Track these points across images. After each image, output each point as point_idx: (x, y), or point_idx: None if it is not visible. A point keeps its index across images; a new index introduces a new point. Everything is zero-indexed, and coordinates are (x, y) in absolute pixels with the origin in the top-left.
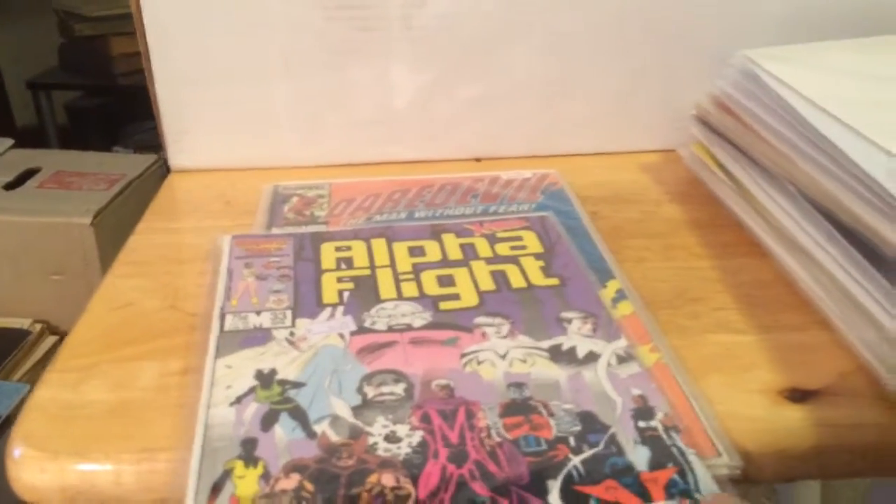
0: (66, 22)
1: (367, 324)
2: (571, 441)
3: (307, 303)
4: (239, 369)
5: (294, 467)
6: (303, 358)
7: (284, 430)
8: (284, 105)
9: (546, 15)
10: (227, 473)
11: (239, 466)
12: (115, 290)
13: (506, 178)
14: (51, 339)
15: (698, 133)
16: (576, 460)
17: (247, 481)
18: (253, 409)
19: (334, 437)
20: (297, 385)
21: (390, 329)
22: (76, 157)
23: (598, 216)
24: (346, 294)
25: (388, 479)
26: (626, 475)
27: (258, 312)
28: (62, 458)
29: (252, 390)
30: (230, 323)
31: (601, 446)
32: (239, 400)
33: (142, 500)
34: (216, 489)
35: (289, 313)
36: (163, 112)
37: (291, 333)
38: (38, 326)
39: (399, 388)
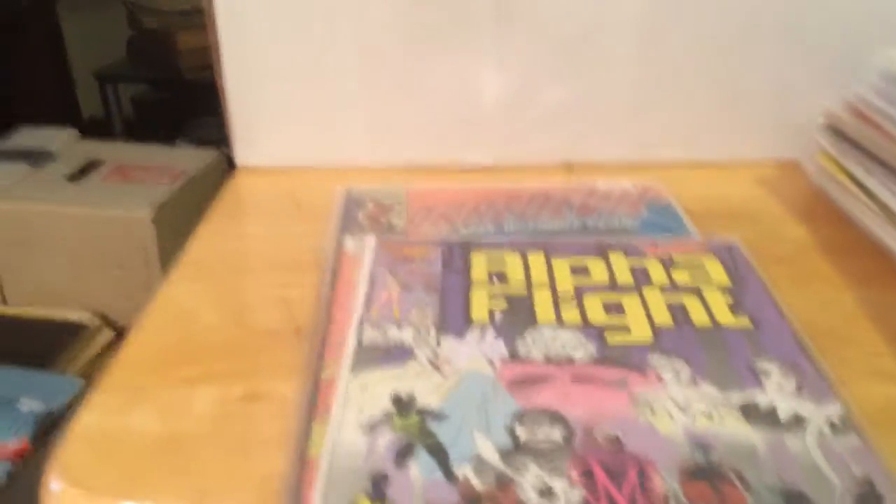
0: (134, 14)
1: (521, 352)
2: None
3: (454, 319)
4: (375, 390)
5: None
6: (447, 385)
7: (421, 468)
8: (357, 101)
9: (644, 8)
10: None
11: (364, 503)
12: (173, 301)
13: (603, 190)
14: (108, 334)
15: (826, 143)
16: None
17: None
18: (387, 440)
19: (478, 485)
20: (440, 417)
21: (548, 360)
22: (139, 149)
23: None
24: (497, 314)
25: None
26: None
27: (399, 326)
28: (104, 500)
29: (388, 417)
30: (369, 336)
31: None
32: (373, 427)
33: None
34: None
35: (433, 330)
36: (231, 107)
37: (435, 354)
38: (95, 320)
39: (556, 433)
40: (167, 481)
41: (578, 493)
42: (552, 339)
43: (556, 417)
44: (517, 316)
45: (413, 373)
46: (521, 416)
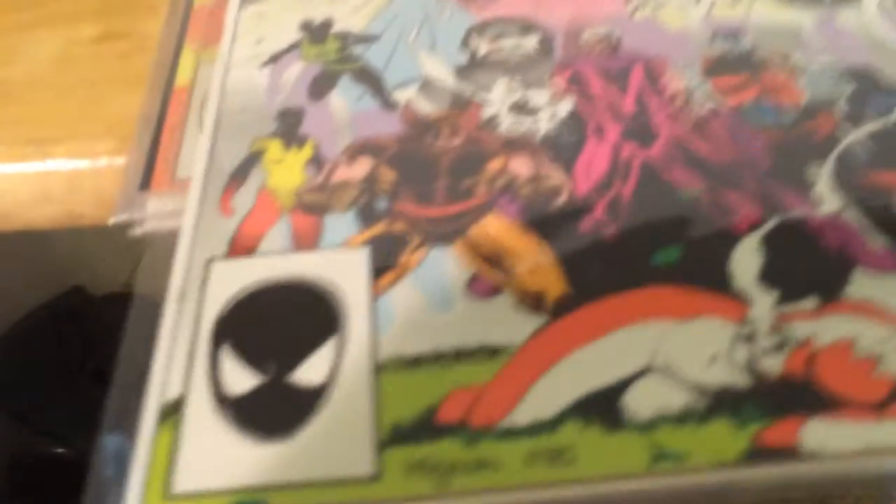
0: None
1: None
2: (842, 106)
3: None
4: (276, 20)
5: (363, 148)
6: (372, 5)
7: (345, 98)
8: None
9: None
10: (255, 157)
11: (274, 147)
12: None
13: None
14: None
15: None
16: (856, 134)
17: (286, 168)
18: (297, 71)
19: (427, 108)
20: (366, 39)
21: None
22: None
23: None
24: None
25: (520, 166)
26: None
27: None
28: None
29: (296, 45)
30: None
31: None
32: (275, 59)
33: (38, 215)
34: (237, 178)
35: None
36: None
37: None
38: None
39: (530, 42)
40: None
41: (567, 103)
42: None
43: (526, 26)
44: None
45: None
46: (480, 29)
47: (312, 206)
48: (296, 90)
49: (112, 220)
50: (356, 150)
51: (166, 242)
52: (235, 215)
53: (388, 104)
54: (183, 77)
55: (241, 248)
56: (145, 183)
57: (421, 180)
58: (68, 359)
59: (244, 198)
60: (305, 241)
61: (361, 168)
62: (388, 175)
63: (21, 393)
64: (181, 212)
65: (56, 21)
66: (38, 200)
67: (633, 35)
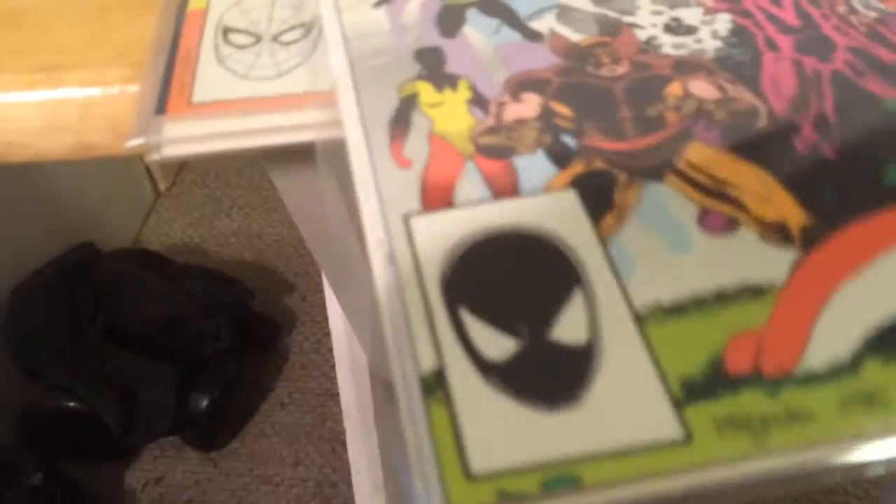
0: None
1: None
2: None
3: None
4: None
5: (524, 84)
6: None
7: (481, 32)
8: None
9: None
10: (409, 102)
11: (425, 90)
12: None
13: None
14: None
15: None
16: None
17: (449, 110)
18: (415, 7)
19: (575, 36)
20: None
21: None
22: None
23: None
24: None
25: (701, 89)
26: None
27: None
28: None
29: None
30: None
31: None
32: None
33: (54, 149)
34: (399, 126)
35: None
36: None
37: None
38: None
39: None
40: (5, 59)
41: (725, 19)
42: None
43: None
44: None
45: None
46: None
47: (495, 149)
48: (425, 28)
49: (127, 145)
50: (517, 87)
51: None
52: (414, 166)
53: (530, 34)
54: (197, 2)
55: (434, 200)
56: (161, 108)
57: (600, 113)
58: (78, 314)
59: (416, 146)
60: (502, 188)
61: (531, 105)
62: (563, 110)
63: (32, 348)
64: (199, 137)
65: None
66: (50, 129)
67: None
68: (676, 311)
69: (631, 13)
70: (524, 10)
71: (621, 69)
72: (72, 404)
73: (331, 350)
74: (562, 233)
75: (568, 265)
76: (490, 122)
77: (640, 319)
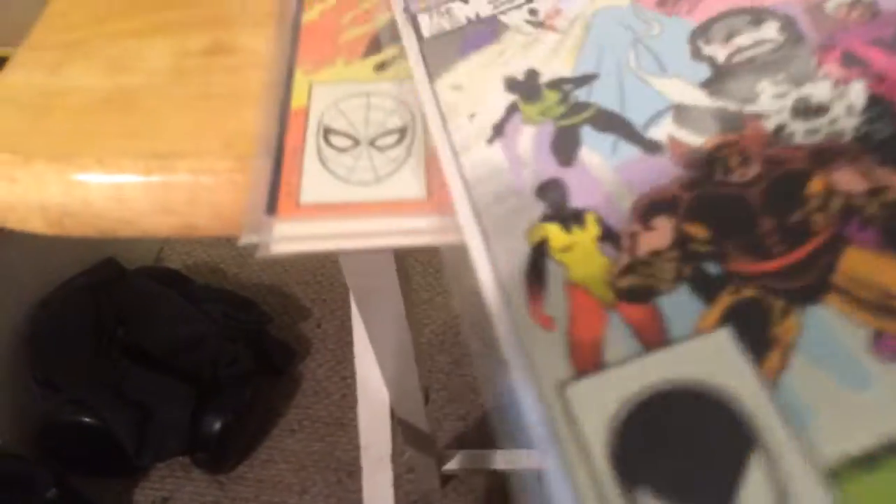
0: None
1: None
2: None
3: None
4: (477, 86)
5: (652, 207)
6: (570, 41)
7: (598, 152)
8: None
9: None
10: (540, 250)
11: (553, 233)
12: None
13: None
14: None
15: None
16: None
17: (580, 254)
18: (529, 137)
19: (698, 139)
20: (583, 80)
21: None
22: None
23: None
24: None
25: (847, 180)
26: None
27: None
28: (39, 164)
29: (513, 109)
30: (428, 24)
31: None
32: (499, 131)
33: (160, 227)
34: (534, 280)
35: None
36: None
37: (532, 12)
38: None
39: (769, 31)
40: (117, 142)
41: (857, 88)
42: None
43: (755, 15)
44: None
45: (517, 45)
46: (703, 32)
47: (636, 292)
48: (541, 158)
49: (241, 243)
50: (646, 212)
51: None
52: (558, 325)
53: (649, 146)
54: (298, 100)
55: (584, 361)
56: (271, 208)
57: (739, 229)
58: (101, 329)
59: (555, 301)
60: (651, 337)
61: (664, 232)
62: (698, 232)
63: (53, 361)
64: (306, 237)
65: (166, 30)
66: (159, 211)
67: None
68: (870, 462)
69: (752, 101)
70: (639, 118)
71: (753, 171)
72: (88, 419)
73: (343, 378)
74: (723, 384)
75: (738, 422)
76: (625, 259)
77: (829, 479)
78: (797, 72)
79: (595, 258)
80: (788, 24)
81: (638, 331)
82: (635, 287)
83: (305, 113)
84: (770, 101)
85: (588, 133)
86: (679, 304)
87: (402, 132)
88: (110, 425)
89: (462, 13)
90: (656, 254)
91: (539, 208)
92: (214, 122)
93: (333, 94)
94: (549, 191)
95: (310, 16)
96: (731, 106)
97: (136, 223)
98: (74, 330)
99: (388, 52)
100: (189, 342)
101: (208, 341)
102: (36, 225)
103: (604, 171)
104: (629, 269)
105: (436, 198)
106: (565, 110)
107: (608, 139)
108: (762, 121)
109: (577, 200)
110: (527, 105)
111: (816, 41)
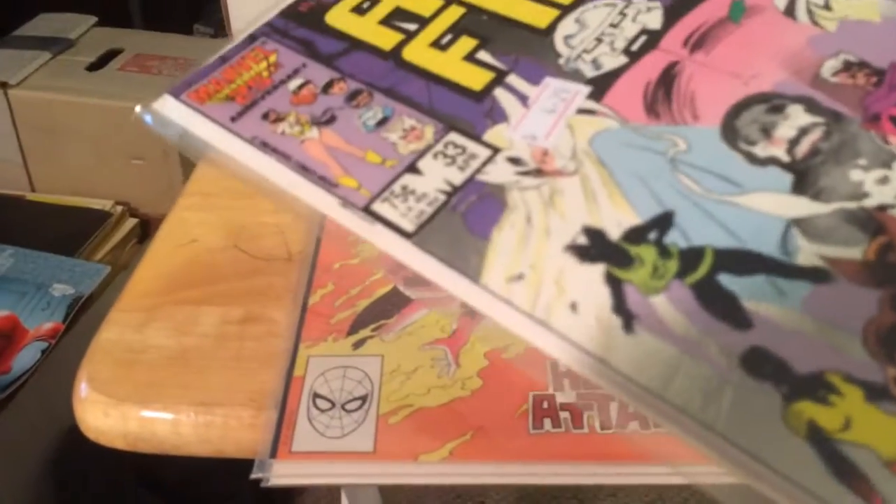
0: None
1: (583, 65)
2: None
3: (458, 107)
4: (541, 267)
5: (885, 340)
6: (597, 180)
7: (763, 299)
8: None
9: None
10: (818, 438)
11: (816, 412)
12: (181, 226)
13: None
14: (131, 222)
15: None
16: None
17: (867, 425)
18: (668, 310)
19: (852, 251)
20: (662, 223)
21: (628, 48)
22: (157, 38)
23: None
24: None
25: None
26: None
27: (416, 170)
28: (125, 405)
29: (614, 283)
30: (396, 213)
31: None
32: (627, 314)
33: (200, 451)
34: (849, 475)
35: (457, 139)
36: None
37: (514, 161)
38: (119, 208)
39: (801, 116)
40: (177, 392)
41: None
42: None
43: (767, 99)
44: (506, 36)
45: (535, 204)
46: (733, 135)
47: None
48: (710, 329)
49: (252, 476)
50: (886, 347)
51: None
52: None
53: (814, 276)
54: (299, 369)
55: None
56: (273, 453)
57: None
58: (119, 456)
59: (891, 490)
60: None
61: None
62: None
63: (77, 489)
64: (296, 475)
65: (215, 300)
66: (201, 441)
67: None
68: None
69: (863, 196)
70: (767, 248)
71: None
72: None
73: None
74: None
75: None
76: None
77: None
78: (870, 150)
79: (886, 422)
80: (811, 104)
81: None
82: None
83: (302, 379)
84: (878, 188)
85: (732, 281)
86: None
87: (364, 399)
88: None
89: (428, 187)
90: None
91: (765, 388)
92: (243, 380)
93: (323, 365)
94: (762, 365)
95: (314, 299)
96: (848, 205)
97: (184, 448)
98: (96, 457)
99: (362, 333)
100: (202, 474)
101: (217, 475)
102: (118, 444)
103: (792, 320)
104: None
105: (384, 450)
106: (681, 265)
107: (757, 281)
108: (891, 211)
109: (801, 365)
110: (626, 272)
111: (853, 113)
